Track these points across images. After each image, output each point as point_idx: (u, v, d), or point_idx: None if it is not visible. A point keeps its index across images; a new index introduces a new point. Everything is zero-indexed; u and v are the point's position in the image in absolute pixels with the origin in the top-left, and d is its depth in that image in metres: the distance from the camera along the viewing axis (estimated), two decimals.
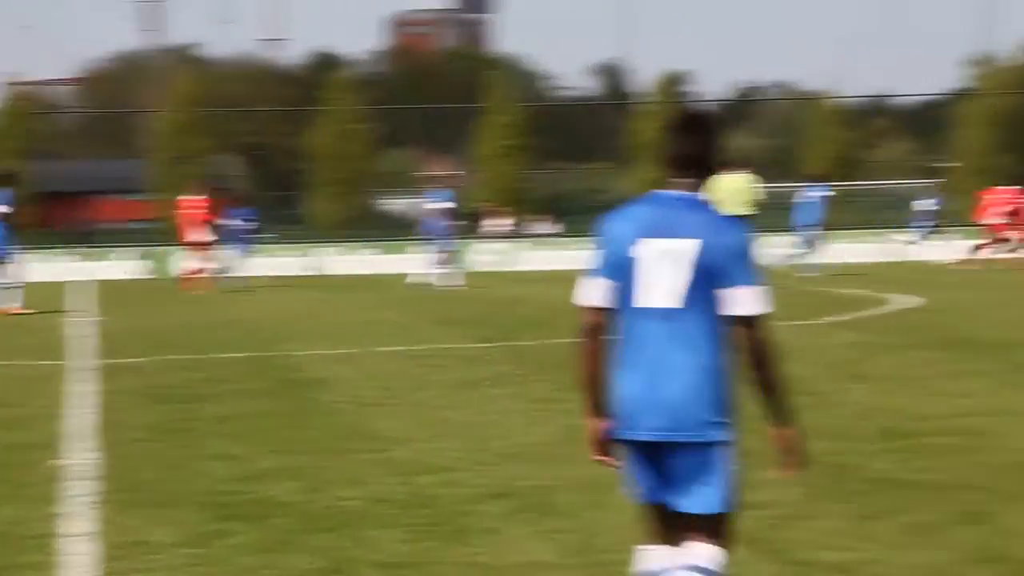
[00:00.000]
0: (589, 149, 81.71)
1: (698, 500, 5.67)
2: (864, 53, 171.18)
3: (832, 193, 38.67)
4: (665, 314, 5.62)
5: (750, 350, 5.63)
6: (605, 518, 8.54)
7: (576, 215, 64.39)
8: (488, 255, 50.27)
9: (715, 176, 5.83)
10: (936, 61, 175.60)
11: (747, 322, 5.61)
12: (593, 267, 5.81)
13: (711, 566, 5.69)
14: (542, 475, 9.93)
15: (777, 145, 79.43)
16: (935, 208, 48.15)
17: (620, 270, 5.70)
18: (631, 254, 5.68)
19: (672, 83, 67.69)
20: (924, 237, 47.44)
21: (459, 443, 11.38)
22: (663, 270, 5.63)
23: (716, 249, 5.60)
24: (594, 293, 5.78)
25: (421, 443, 11.45)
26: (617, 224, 5.79)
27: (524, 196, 62.23)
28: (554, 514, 8.75)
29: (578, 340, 5.83)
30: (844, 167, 59.61)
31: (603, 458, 5.82)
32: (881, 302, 26.13)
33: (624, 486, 5.92)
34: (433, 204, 36.79)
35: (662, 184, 5.89)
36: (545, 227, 61.27)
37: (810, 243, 37.58)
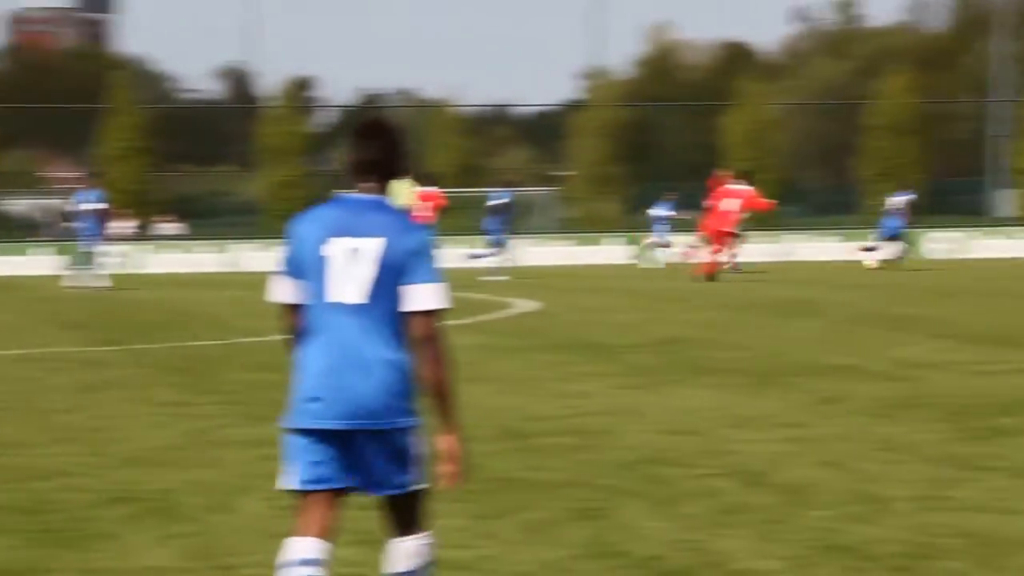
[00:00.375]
0: (216, 152, 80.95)
1: (393, 482, 5.92)
2: (484, 63, 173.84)
3: (511, 199, 39.38)
4: (353, 309, 5.85)
5: (424, 346, 5.87)
6: (228, 521, 8.55)
7: (202, 217, 63.78)
8: (111, 257, 49.28)
9: (392, 180, 6.08)
10: (553, 72, 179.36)
11: (423, 318, 5.86)
12: (283, 266, 6.03)
13: (419, 561, 6.00)
14: (165, 479, 9.85)
15: None
16: (671, 213, 49.36)
17: (309, 268, 5.94)
18: (319, 253, 5.91)
19: (298, 88, 67.65)
20: (660, 241, 48.60)
21: (80, 448, 11.19)
22: (350, 268, 5.87)
23: (399, 247, 5.86)
24: (286, 291, 6.02)
25: (40, 448, 11.22)
26: (305, 225, 6.02)
27: (148, 198, 61.24)
28: (176, 518, 8.69)
29: (283, 338, 6.09)
30: (467, 174, 60.60)
31: None
32: (503, 306, 26.65)
33: (288, 477, 5.99)
34: (84, 205, 35.98)
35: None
36: (171, 229, 60.49)
37: (500, 245, 38.56)
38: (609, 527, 8.35)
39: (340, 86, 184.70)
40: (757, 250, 53.09)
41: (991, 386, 14.13)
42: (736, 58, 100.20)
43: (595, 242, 54.80)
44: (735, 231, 38.46)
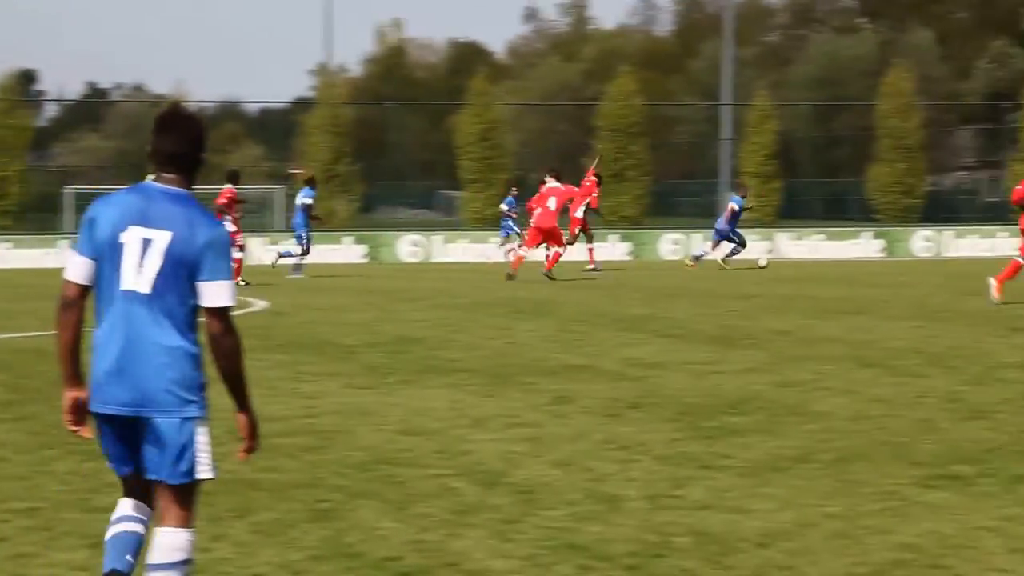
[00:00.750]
0: None
1: (168, 471, 6.09)
2: (213, 58, 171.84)
3: (313, 196, 39.00)
4: (142, 298, 6.00)
5: (217, 340, 6.07)
6: None
7: None
8: None
9: (195, 172, 6.24)
10: (284, 69, 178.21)
11: (215, 313, 6.06)
12: (79, 247, 6.12)
13: (179, 556, 6.12)
14: None
15: (128, 147, 78.86)
16: (514, 212, 49.23)
17: (102, 252, 6.06)
18: (113, 238, 6.04)
19: (21, 81, 66.03)
20: (507, 240, 48.44)
21: None
22: (140, 256, 6.01)
23: (188, 242, 6.01)
24: (75, 270, 6.10)
25: None
26: (104, 209, 6.11)
27: None
28: None
29: (57, 313, 6.14)
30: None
31: (76, 428, 6.19)
32: (239, 305, 26.34)
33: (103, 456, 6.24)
34: None
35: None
36: None
37: (304, 243, 38.38)
38: (345, 528, 8.30)
39: (66, 80, 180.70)
40: (490, 250, 53.53)
41: (718, 385, 14.41)
42: (468, 57, 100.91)
43: (332, 241, 54.57)
44: (589, 229, 40.72)
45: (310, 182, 39.43)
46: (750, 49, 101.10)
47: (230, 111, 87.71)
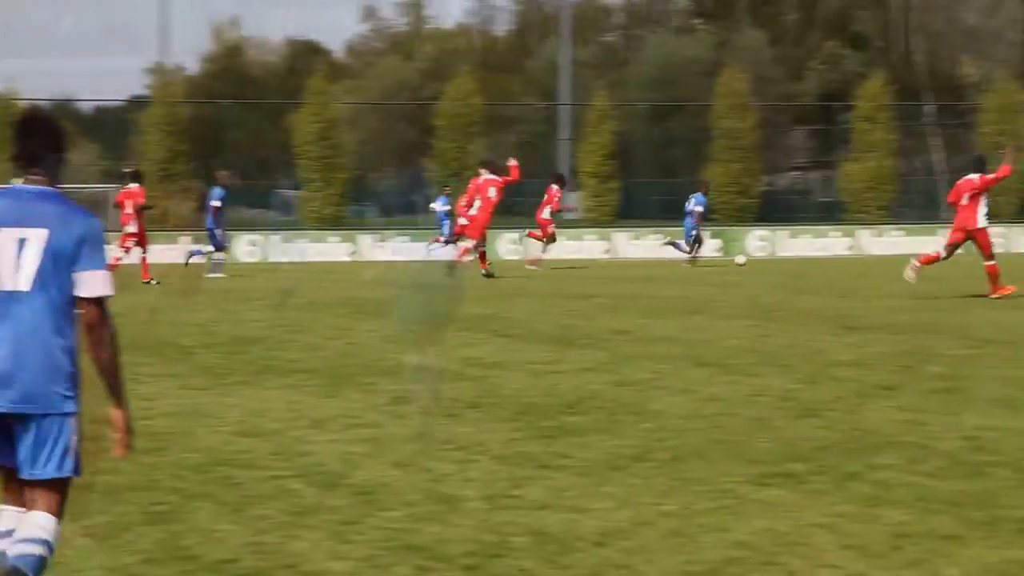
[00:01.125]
0: None
1: (41, 466, 6.20)
2: (46, 55, 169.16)
3: (222, 197, 38.48)
4: (21, 296, 6.12)
5: (93, 330, 6.20)
6: None
7: None
8: None
9: (60, 171, 6.40)
10: (119, 67, 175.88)
11: (93, 303, 6.18)
12: None
13: (44, 536, 6.22)
14: None
15: None
16: (447, 209, 48.67)
17: None
18: None
19: None
20: (448, 239, 47.89)
21: None
22: (17, 256, 6.13)
23: (65, 237, 6.15)
24: None
25: None
26: None
27: None
28: None
29: None
30: None
31: None
32: None
33: None
34: None
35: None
36: None
37: (218, 241, 38.05)
38: (180, 531, 8.23)
39: None
40: (332, 250, 53.32)
41: (556, 385, 14.48)
42: (305, 56, 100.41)
43: (169, 240, 53.91)
44: (551, 229, 42.04)
45: (221, 180, 39.22)
46: (588, 49, 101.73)
47: (64, 109, 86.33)
